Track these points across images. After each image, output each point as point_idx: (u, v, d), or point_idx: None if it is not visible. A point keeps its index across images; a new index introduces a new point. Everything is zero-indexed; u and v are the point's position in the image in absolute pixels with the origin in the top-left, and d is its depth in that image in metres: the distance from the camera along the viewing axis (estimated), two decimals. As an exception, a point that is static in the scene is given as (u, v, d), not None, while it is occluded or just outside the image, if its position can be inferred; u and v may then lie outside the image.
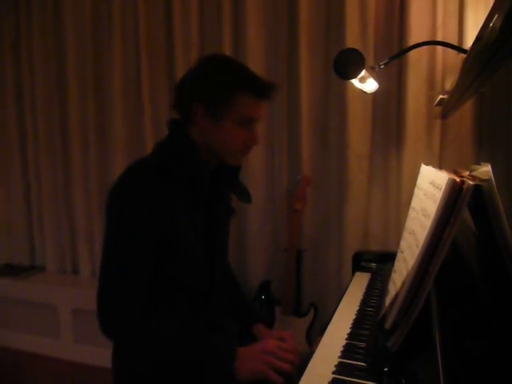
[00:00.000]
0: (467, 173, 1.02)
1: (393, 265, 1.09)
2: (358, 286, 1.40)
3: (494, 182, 0.81)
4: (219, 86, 1.02)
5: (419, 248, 0.78)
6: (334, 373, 0.84)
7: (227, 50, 2.17)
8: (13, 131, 2.76)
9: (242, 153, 1.10)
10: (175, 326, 1.00)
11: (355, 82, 1.45)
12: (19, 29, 2.65)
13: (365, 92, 1.62)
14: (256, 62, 2.13)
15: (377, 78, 1.53)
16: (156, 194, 0.98)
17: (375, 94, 1.83)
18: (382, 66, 1.45)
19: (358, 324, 1.10)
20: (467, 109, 1.79)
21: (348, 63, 1.28)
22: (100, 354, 2.29)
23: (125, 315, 0.95)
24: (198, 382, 1.00)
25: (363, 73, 1.35)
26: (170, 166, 1.03)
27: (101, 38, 2.48)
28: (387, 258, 1.41)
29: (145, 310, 0.97)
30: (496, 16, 0.63)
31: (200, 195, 1.07)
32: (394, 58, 1.46)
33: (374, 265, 1.58)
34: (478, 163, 1.10)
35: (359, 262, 1.60)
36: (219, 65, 1.07)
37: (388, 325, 0.82)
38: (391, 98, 1.97)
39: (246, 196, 1.22)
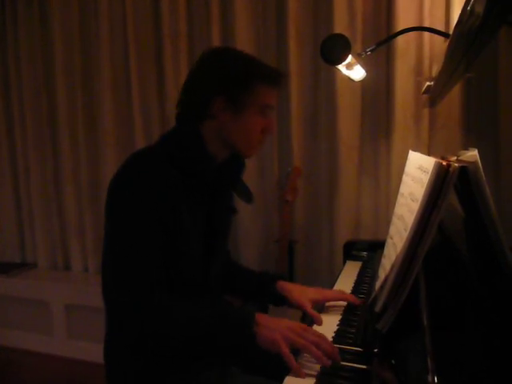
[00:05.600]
0: (454, 158, 1.03)
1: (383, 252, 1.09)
2: (349, 275, 1.41)
3: (479, 164, 0.82)
4: (240, 76, 1.01)
5: (407, 231, 0.79)
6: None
7: (216, 41, 2.16)
8: (0, 125, 2.73)
9: (259, 143, 1.09)
10: (191, 304, 0.97)
11: (342, 68, 1.45)
12: (5, 21, 2.61)
13: (352, 80, 1.62)
14: (244, 53, 2.12)
15: (364, 66, 1.53)
16: (161, 183, 0.96)
17: (364, 83, 1.84)
18: (369, 53, 1.45)
19: (348, 310, 1.11)
20: (455, 96, 1.80)
21: (334, 48, 1.28)
22: (93, 349, 2.28)
23: (154, 305, 0.92)
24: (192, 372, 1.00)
25: (350, 59, 1.35)
26: (176, 157, 1.01)
27: (88, 29, 2.46)
28: (378, 247, 1.42)
29: (165, 296, 0.96)
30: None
31: (203, 190, 1.06)
32: (381, 43, 1.46)
33: (364, 253, 1.59)
34: (466, 150, 1.10)
35: (350, 251, 1.61)
36: (231, 56, 1.06)
37: (378, 307, 0.83)
38: (380, 88, 1.97)
39: (247, 195, 1.21)
